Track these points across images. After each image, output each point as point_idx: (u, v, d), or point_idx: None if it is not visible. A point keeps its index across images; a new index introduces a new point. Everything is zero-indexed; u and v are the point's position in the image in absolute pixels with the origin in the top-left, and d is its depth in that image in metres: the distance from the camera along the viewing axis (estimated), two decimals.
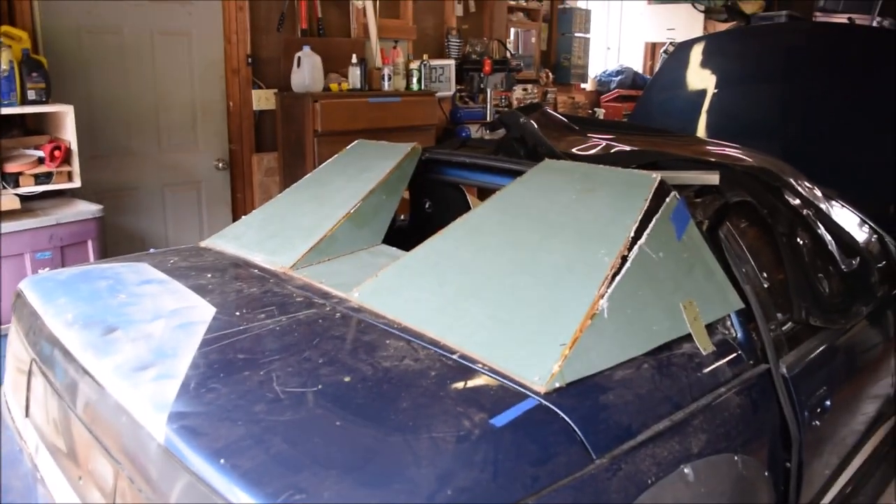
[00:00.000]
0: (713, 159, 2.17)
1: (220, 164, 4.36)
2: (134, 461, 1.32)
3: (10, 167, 3.14)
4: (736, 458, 1.59)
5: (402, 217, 2.92)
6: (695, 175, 1.98)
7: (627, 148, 2.31)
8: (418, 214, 2.72)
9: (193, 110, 4.22)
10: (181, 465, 1.20)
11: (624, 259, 1.61)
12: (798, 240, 2.08)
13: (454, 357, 1.48)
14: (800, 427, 1.81)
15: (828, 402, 1.94)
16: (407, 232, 2.71)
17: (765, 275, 1.94)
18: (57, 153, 3.23)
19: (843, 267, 2.21)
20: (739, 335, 1.80)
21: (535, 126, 2.29)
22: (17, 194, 3.12)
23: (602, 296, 1.53)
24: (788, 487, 1.86)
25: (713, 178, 1.96)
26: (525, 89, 5.86)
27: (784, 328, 2.00)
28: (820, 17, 6.39)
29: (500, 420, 1.28)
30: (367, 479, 1.12)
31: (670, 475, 1.40)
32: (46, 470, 1.76)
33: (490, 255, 1.77)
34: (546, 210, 1.85)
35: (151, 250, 2.37)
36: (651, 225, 1.70)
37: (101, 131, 3.86)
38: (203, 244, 2.39)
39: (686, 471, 1.43)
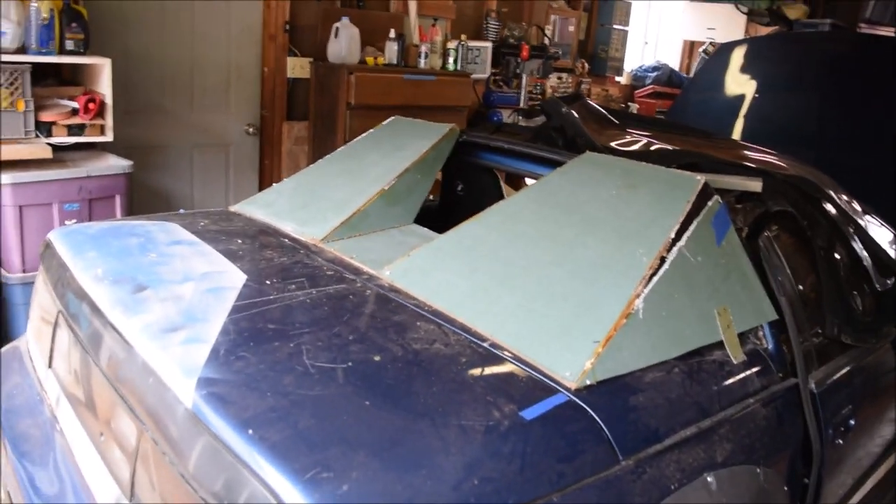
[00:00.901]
0: (754, 165, 2.13)
1: (251, 130, 4.34)
2: (159, 424, 1.32)
3: (44, 116, 3.14)
4: (758, 470, 1.57)
5: (432, 197, 2.91)
6: (738, 181, 1.95)
7: (669, 147, 2.28)
8: (449, 196, 2.70)
9: (228, 73, 4.20)
10: (208, 431, 1.20)
11: (662, 260, 1.59)
12: (835, 254, 2.05)
13: (485, 345, 1.47)
14: (822, 444, 1.79)
15: (852, 421, 1.92)
16: (435, 213, 2.69)
17: (800, 287, 1.92)
18: (91, 105, 3.22)
19: (877, 286, 2.18)
20: (771, 346, 1.77)
21: (575, 116, 2.26)
22: (49, 143, 3.11)
23: (638, 295, 1.51)
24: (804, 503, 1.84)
25: (756, 186, 1.93)
26: (560, 78, 5.80)
27: (815, 342, 1.98)
28: (865, 28, 6.29)
29: (530, 413, 1.26)
30: (395, 463, 1.11)
31: (693, 482, 1.39)
32: (66, 422, 1.76)
33: (525, 244, 1.75)
34: (585, 203, 1.82)
35: (181, 211, 2.36)
36: (692, 228, 1.67)
37: (135, 87, 3.86)
38: (233, 209, 2.38)
39: (709, 479, 1.42)
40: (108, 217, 3.19)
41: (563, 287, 1.58)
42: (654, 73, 6.95)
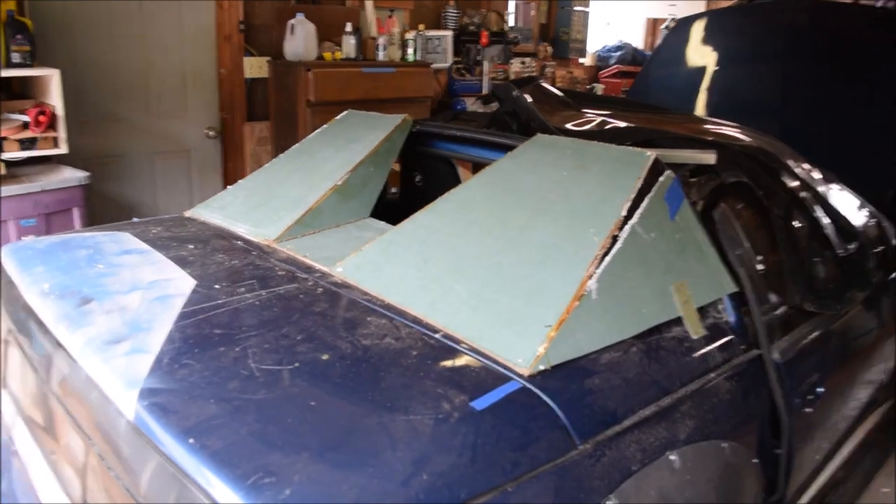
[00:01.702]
0: (710, 138, 2.11)
1: (211, 133, 4.28)
2: (104, 438, 1.29)
3: None
4: (724, 444, 1.56)
5: (394, 190, 2.87)
6: (691, 154, 1.93)
7: (623, 124, 2.25)
8: (409, 188, 2.67)
9: (184, 77, 4.13)
10: (150, 443, 1.16)
11: (615, 239, 1.56)
12: (794, 223, 2.03)
13: (437, 336, 1.44)
14: (790, 413, 1.78)
15: (820, 389, 1.91)
16: (398, 206, 2.66)
17: (759, 258, 1.90)
18: (42, 118, 3.15)
19: (839, 252, 2.17)
20: (732, 319, 1.76)
21: (529, 99, 2.23)
22: (1, 160, 3.05)
23: (591, 276, 1.48)
24: (778, 473, 1.83)
25: (710, 158, 1.91)
26: (523, 62, 5.76)
27: (778, 313, 1.96)
28: None
29: (481, 403, 1.24)
30: (340, 462, 1.08)
31: (655, 462, 1.37)
32: (22, 442, 1.72)
33: (477, 231, 1.72)
34: (536, 187, 1.80)
35: (135, 219, 2.31)
36: (644, 204, 1.65)
37: (88, 97, 3.78)
38: (188, 214, 2.33)
39: (672, 457, 1.40)
40: (67, 230, 3.13)
41: (515, 273, 1.56)
42: (618, 53, 6.94)
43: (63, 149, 3.24)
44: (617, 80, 6.73)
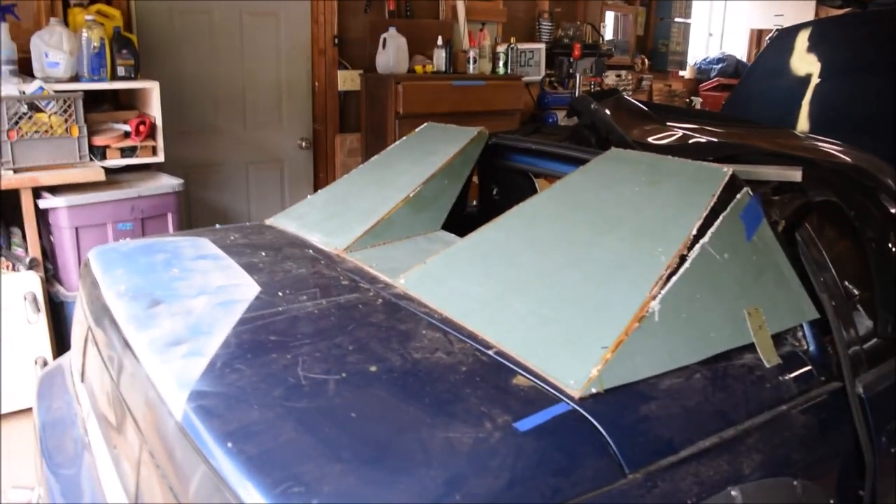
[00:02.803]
0: (800, 154, 2.00)
1: (304, 144, 4.39)
2: (155, 437, 1.32)
3: (98, 140, 3.24)
4: (795, 482, 1.45)
5: (475, 203, 2.86)
6: (774, 170, 1.82)
7: (706, 139, 2.16)
8: (486, 201, 2.64)
9: (279, 90, 4.26)
10: (193, 445, 1.18)
11: (682, 259, 1.49)
12: (889, 246, 1.89)
13: (490, 353, 1.41)
14: (875, 453, 1.65)
15: None
16: (476, 219, 2.64)
17: (846, 284, 1.77)
18: (142, 128, 3.31)
19: None
20: (812, 348, 1.64)
21: (607, 112, 2.17)
22: (102, 167, 3.21)
23: (654, 297, 1.42)
24: None
25: (795, 175, 1.80)
26: (619, 75, 5.66)
27: (868, 344, 1.83)
28: None
29: (525, 424, 1.19)
30: (372, 477, 1.06)
31: (714, 497, 1.29)
32: (93, 436, 1.79)
33: (542, 247, 1.68)
34: (606, 202, 1.74)
35: (217, 226, 2.38)
36: (717, 223, 1.57)
37: (188, 108, 3.95)
38: (268, 222, 2.39)
39: (733, 493, 1.32)
40: (160, 234, 3.27)
41: (576, 291, 1.51)
42: (720, 66, 6.71)
43: (160, 157, 3.39)
44: (717, 93, 6.51)
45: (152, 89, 3.35)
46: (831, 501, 1.57)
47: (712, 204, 1.59)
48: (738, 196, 1.63)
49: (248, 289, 1.73)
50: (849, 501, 1.66)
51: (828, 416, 1.59)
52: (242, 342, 1.45)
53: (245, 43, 4.08)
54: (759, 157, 1.97)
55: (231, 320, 1.55)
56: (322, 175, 4.45)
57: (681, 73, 6.69)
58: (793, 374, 1.56)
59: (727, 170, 1.66)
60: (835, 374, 1.65)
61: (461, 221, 2.27)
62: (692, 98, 6.60)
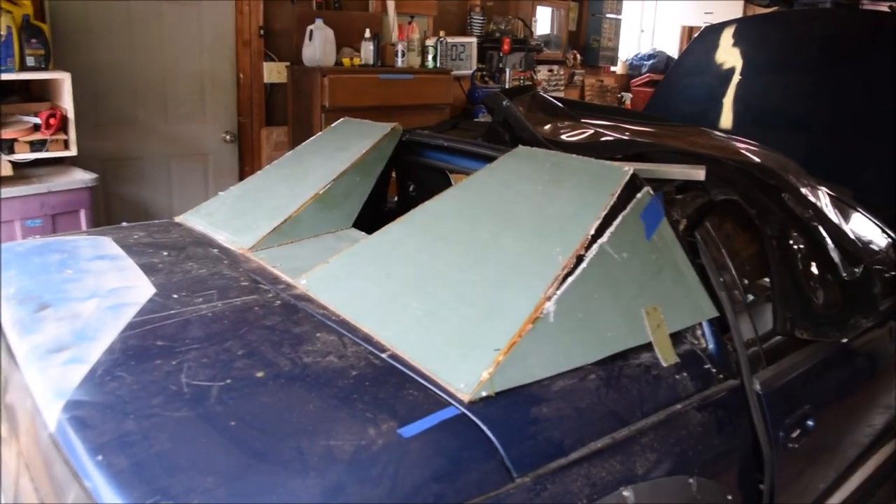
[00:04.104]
0: (707, 153, 2.01)
1: (229, 137, 4.29)
2: (32, 447, 1.26)
3: (5, 133, 3.10)
4: (691, 480, 1.46)
5: (395, 199, 2.82)
6: (678, 169, 1.84)
7: (620, 136, 2.16)
8: (404, 198, 2.61)
9: (202, 81, 4.15)
10: (63, 457, 1.13)
11: (580, 258, 1.48)
12: (791, 244, 1.92)
13: (383, 356, 1.38)
14: (773, 447, 1.68)
15: (810, 423, 1.79)
16: (394, 216, 2.60)
17: (746, 282, 1.79)
18: (52, 121, 3.18)
19: (844, 276, 2.05)
20: (711, 346, 1.66)
21: (517, 109, 2.15)
22: (10, 161, 3.08)
23: (549, 298, 1.41)
24: None
25: (698, 174, 1.82)
26: (551, 70, 5.68)
27: (768, 341, 1.86)
28: (867, 5, 6.07)
29: (410, 430, 1.17)
30: (244, 489, 1.03)
31: (605, 498, 1.28)
32: None
33: (443, 246, 1.66)
34: (509, 201, 1.73)
35: (123, 224, 2.30)
36: (616, 222, 1.57)
37: (106, 100, 3.82)
38: (177, 219, 2.32)
39: (626, 493, 1.32)
40: (72, 231, 3.15)
41: (473, 292, 1.49)
42: (650, 62, 6.79)
43: (73, 151, 3.26)
44: (648, 88, 6.58)
45: (64, 80, 3.22)
46: (729, 497, 1.59)
47: (612, 203, 1.58)
48: (639, 195, 1.64)
49: (141, 291, 1.66)
50: (749, 496, 1.69)
51: (726, 414, 1.61)
52: (127, 348, 1.39)
53: (165, 32, 3.96)
54: (667, 156, 1.98)
55: (119, 325, 1.49)
56: (248, 169, 4.35)
57: (612, 68, 6.75)
58: (690, 373, 1.58)
59: (628, 169, 1.66)
60: (734, 372, 1.67)
61: (380, 219, 2.23)
62: (623, 94, 6.67)
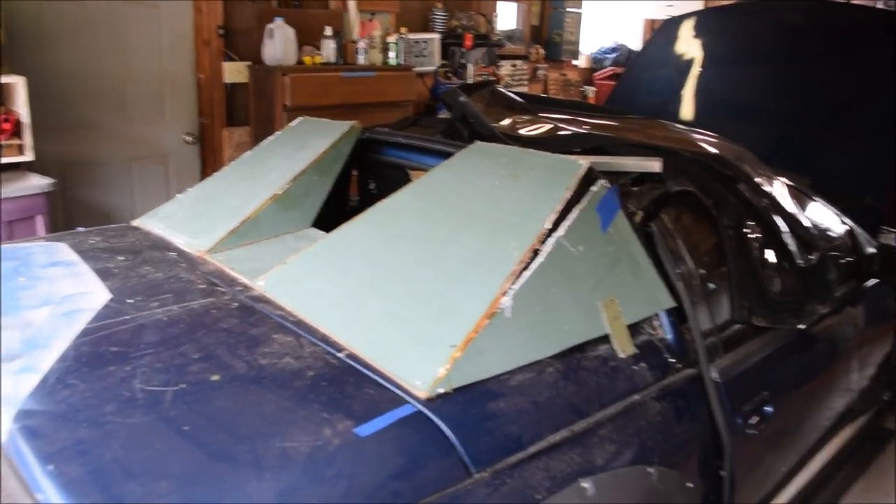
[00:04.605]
0: (664, 145, 2.03)
1: (190, 138, 4.24)
2: None
3: None
4: (650, 469, 1.48)
5: (357, 198, 2.81)
6: (634, 162, 1.85)
7: (578, 130, 2.17)
8: (365, 196, 2.60)
9: (161, 83, 4.09)
10: (14, 468, 1.11)
11: (536, 253, 1.49)
12: (747, 233, 1.95)
13: (340, 356, 1.38)
14: (731, 434, 1.70)
15: (768, 409, 1.82)
16: (356, 214, 2.59)
17: (703, 272, 1.81)
18: (6, 126, 3.12)
19: (800, 262, 2.08)
20: (669, 336, 1.68)
21: (474, 105, 2.15)
22: None
23: (505, 293, 1.41)
24: (722, 497, 1.75)
25: (654, 166, 1.84)
26: (514, 65, 5.69)
27: (726, 329, 1.88)
28: None
29: (367, 429, 1.17)
30: (198, 494, 1.02)
31: (564, 490, 1.29)
32: None
33: (401, 244, 1.66)
34: (466, 197, 1.73)
35: (79, 228, 2.27)
36: (572, 216, 1.58)
37: (63, 103, 3.75)
38: (135, 223, 2.29)
39: (585, 485, 1.33)
40: (29, 238, 3.10)
41: (430, 289, 1.49)
42: (613, 55, 6.83)
43: (29, 156, 3.21)
44: (611, 82, 6.61)
45: (18, 84, 3.15)
46: (690, 485, 1.61)
47: (568, 197, 1.60)
48: (595, 188, 1.65)
49: (96, 297, 1.64)
50: (711, 483, 1.71)
51: (684, 402, 1.63)
52: (80, 355, 1.37)
53: (123, 33, 3.90)
54: (625, 149, 1.99)
55: (72, 332, 1.47)
56: (210, 170, 4.30)
57: (575, 62, 6.78)
58: (648, 363, 1.59)
59: (583, 162, 1.67)
60: (692, 361, 1.69)
61: (342, 218, 2.22)
62: (586, 87, 6.71)
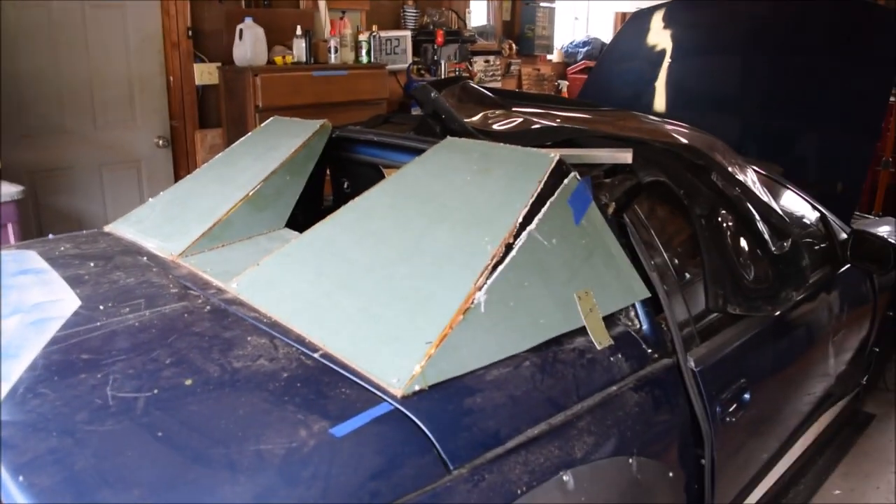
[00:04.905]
0: (635, 136, 2.03)
1: (161, 142, 4.20)
2: None
3: None
4: (630, 460, 1.48)
5: (332, 198, 2.79)
6: (605, 153, 1.85)
7: (549, 124, 2.17)
8: (339, 195, 2.59)
9: (130, 86, 4.05)
10: None
11: (509, 247, 1.49)
12: (719, 221, 1.95)
13: (315, 356, 1.37)
14: (711, 423, 1.71)
15: (746, 396, 1.83)
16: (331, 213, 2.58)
17: (676, 262, 1.82)
18: None
19: (773, 250, 2.09)
20: (645, 327, 1.68)
21: (445, 101, 2.15)
22: None
23: (479, 288, 1.41)
24: (703, 485, 1.76)
25: (625, 157, 1.84)
26: (487, 61, 5.69)
27: (702, 318, 1.89)
28: None
29: (342, 429, 1.16)
30: (172, 500, 1.01)
31: (545, 484, 1.29)
32: None
33: (374, 241, 1.65)
34: (438, 193, 1.72)
35: (50, 236, 2.24)
36: (544, 209, 1.58)
37: (30, 109, 3.70)
38: (107, 228, 2.26)
39: (565, 478, 1.33)
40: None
41: (404, 286, 1.48)
42: (586, 49, 6.85)
43: None
44: (584, 75, 6.62)
45: None
46: (670, 474, 1.62)
47: (539, 190, 1.59)
48: (566, 181, 1.65)
49: (66, 304, 1.62)
50: (691, 472, 1.71)
51: (662, 392, 1.63)
52: (51, 363, 1.35)
53: (90, 37, 3.85)
54: (596, 141, 1.99)
55: (42, 340, 1.44)
56: (183, 174, 4.25)
57: (548, 56, 6.79)
58: (625, 354, 1.59)
59: (554, 155, 1.67)
60: (669, 351, 1.69)
61: (317, 217, 2.21)
62: (560, 81, 6.72)
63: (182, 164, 4.27)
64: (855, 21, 3.57)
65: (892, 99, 4.64)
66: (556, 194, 1.60)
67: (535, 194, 1.58)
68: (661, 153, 1.97)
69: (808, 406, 2.41)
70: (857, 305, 2.68)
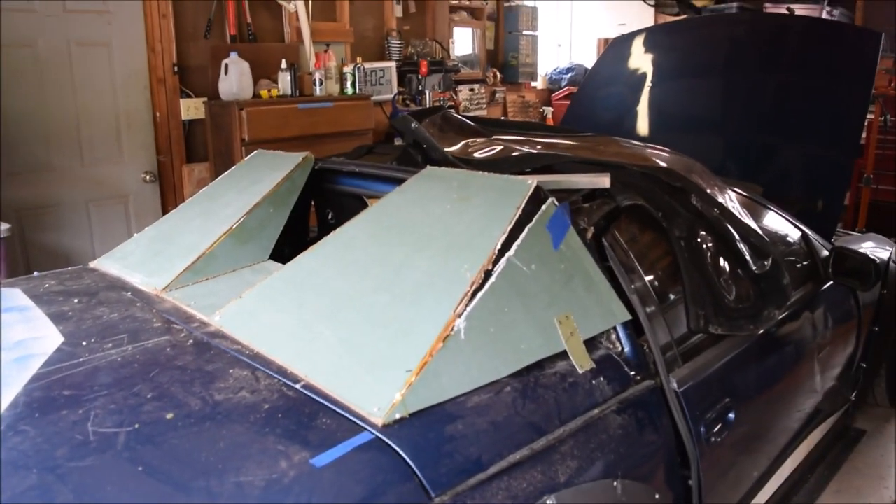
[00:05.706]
0: (613, 160, 2.06)
1: (149, 177, 4.22)
2: None
3: None
4: (615, 483, 1.48)
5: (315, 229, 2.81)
6: (583, 178, 1.87)
7: (530, 150, 2.20)
8: (323, 226, 2.60)
9: (117, 122, 4.07)
10: None
11: (488, 273, 1.50)
12: (699, 243, 1.97)
13: (297, 387, 1.37)
14: (696, 443, 1.71)
15: (731, 416, 1.84)
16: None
17: (657, 284, 1.84)
18: None
19: (754, 269, 2.11)
20: (627, 349, 1.69)
21: (425, 130, 2.17)
22: None
23: (459, 315, 1.42)
24: None
25: (603, 181, 1.86)
26: (472, 90, 5.75)
27: (692, 340, 1.90)
28: (770, 8, 6.33)
29: (323, 459, 1.17)
30: None
31: None
32: None
33: (355, 271, 1.66)
34: (419, 221, 1.74)
35: (35, 273, 2.24)
36: (523, 235, 1.59)
37: (17, 147, 3.71)
38: (92, 264, 2.27)
39: (549, 503, 1.33)
40: None
41: (385, 315, 1.49)
42: (569, 75, 6.93)
43: None
44: (568, 101, 6.72)
45: None
46: (657, 496, 1.62)
47: (517, 216, 1.61)
48: (544, 207, 1.67)
49: (49, 341, 1.62)
50: (678, 493, 1.72)
51: (645, 414, 1.64)
52: (32, 400, 1.35)
53: (76, 75, 3.88)
54: (575, 166, 2.02)
55: (24, 377, 1.45)
56: (171, 208, 4.24)
57: (533, 84, 6.87)
58: (607, 377, 1.60)
59: (531, 182, 1.69)
60: (651, 372, 1.70)
61: (302, 249, 2.22)
62: (545, 108, 6.79)
63: (170, 199, 4.29)
64: (832, 39, 3.63)
65: (869, 116, 4.72)
66: (534, 220, 1.62)
67: (514, 220, 1.59)
68: (639, 177, 1.99)
69: (796, 423, 2.42)
70: (842, 322, 2.70)
